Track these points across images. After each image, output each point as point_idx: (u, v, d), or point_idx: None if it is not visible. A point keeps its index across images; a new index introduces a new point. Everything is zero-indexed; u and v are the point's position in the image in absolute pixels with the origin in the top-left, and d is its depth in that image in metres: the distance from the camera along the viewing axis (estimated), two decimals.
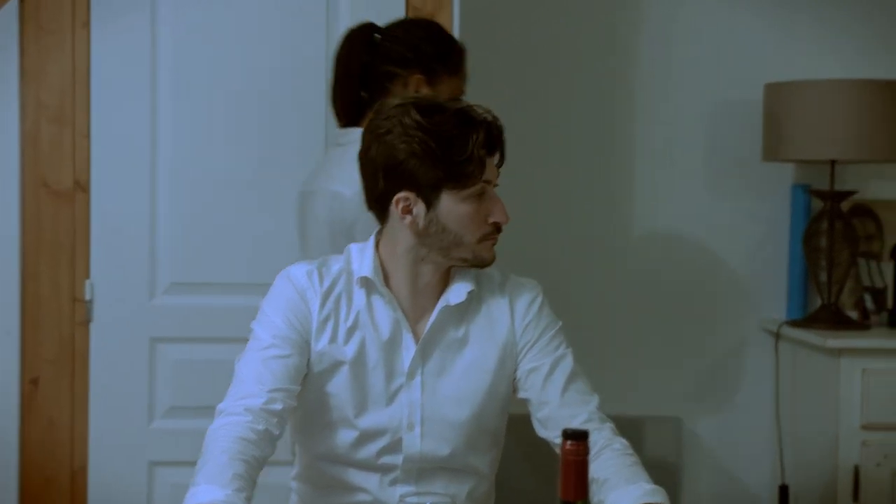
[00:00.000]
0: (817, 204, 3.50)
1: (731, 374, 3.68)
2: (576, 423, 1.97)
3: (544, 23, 3.59)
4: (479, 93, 2.44)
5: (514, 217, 2.02)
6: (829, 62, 3.56)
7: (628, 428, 3.60)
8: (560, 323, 2.08)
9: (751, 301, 3.67)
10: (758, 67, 3.59)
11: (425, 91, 2.42)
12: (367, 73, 2.43)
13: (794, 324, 3.48)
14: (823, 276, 3.45)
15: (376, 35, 2.46)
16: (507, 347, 2.03)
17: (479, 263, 2.00)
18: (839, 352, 3.24)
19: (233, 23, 2.96)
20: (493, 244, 2.00)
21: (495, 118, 1.96)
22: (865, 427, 3.23)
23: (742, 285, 3.69)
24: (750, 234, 3.67)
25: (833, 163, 3.41)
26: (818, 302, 3.50)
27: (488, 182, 1.95)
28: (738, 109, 3.62)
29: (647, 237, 3.67)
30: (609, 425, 2.01)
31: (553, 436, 2.01)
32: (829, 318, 3.42)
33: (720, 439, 3.67)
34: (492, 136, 1.94)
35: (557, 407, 2.00)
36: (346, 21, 2.85)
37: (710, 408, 3.67)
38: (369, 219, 2.04)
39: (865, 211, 3.59)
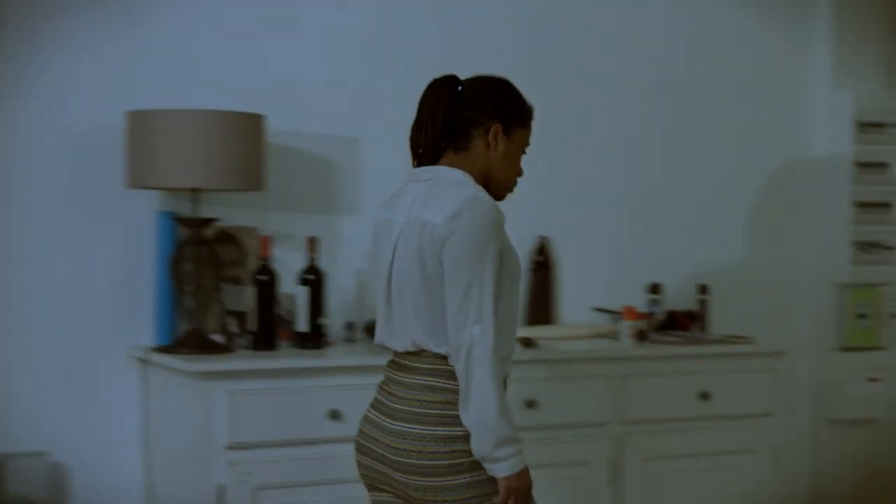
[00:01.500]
0: (184, 231, 3.56)
1: (101, 403, 3.63)
2: None
3: None
4: None
5: None
6: (189, 92, 3.65)
7: None
8: None
9: (120, 329, 3.65)
10: (120, 94, 3.59)
11: (502, 139, 2.65)
12: (451, 119, 2.64)
13: (161, 349, 3.51)
14: (190, 302, 3.52)
15: (459, 87, 2.67)
16: None
17: None
18: (206, 375, 3.31)
19: None
20: None
21: None
22: (231, 447, 3.32)
23: (111, 313, 3.66)
24: (117, 262, 3.65)
25: (195, 190, 3.49)
26: (185, 327, 3.56)
27: None
28: (100, 137, 3.59)
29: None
30: None
31: None
32: (195, 342, 3.48)
33: (90, 470, 3.60)
34: None
35: None
36: None
37: (79, 438, 3.59)
38: (457, 239, 2.46)
39: (229, 237, 3.71)
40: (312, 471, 3.40)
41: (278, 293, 3.63)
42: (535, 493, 2.53)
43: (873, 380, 4.55)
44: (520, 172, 2.71)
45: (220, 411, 3.31)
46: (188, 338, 3.50)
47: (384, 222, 2.66)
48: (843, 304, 4.56)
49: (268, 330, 3.59)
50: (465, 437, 2.47)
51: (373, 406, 2.65)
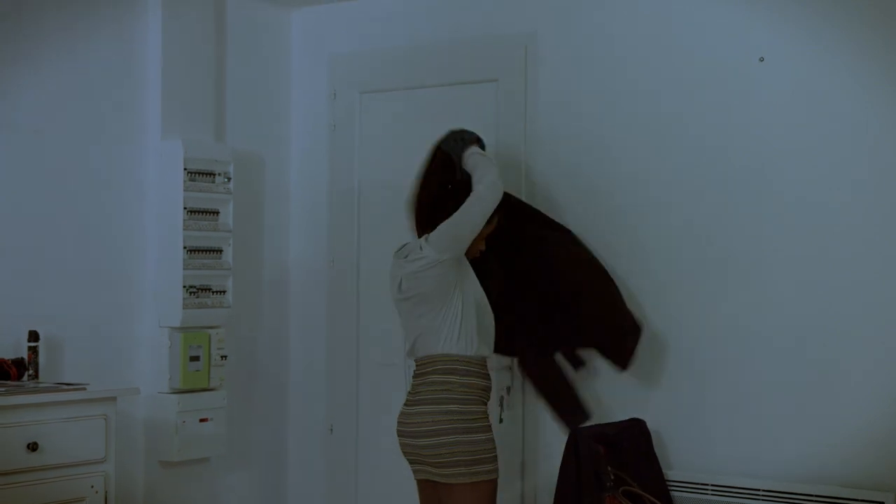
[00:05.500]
0: None
1: None
2: None
3: None
4: None
5: None
6: None
7: None
8: None
9: None
10: None
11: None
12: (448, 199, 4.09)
13: None
14: None
15: (448, 186, 4.10)
16: None
17: None
18: None
19: None
20: None
21: None
22: None
23: None
24: None
25: None
26: None
27: None
28: None
29: None
30: None
31: None
32: None
33: None
34: None
35: None
36: None
37: None
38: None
39: None
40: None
41: None
42: None
43: (204, 420, 4.70)
44: None
45: None
46: None
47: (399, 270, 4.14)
48: (176, 347, 4.66)
49: None
50: (454, 412, 3.91)
51: (405, 402, 4.07)
